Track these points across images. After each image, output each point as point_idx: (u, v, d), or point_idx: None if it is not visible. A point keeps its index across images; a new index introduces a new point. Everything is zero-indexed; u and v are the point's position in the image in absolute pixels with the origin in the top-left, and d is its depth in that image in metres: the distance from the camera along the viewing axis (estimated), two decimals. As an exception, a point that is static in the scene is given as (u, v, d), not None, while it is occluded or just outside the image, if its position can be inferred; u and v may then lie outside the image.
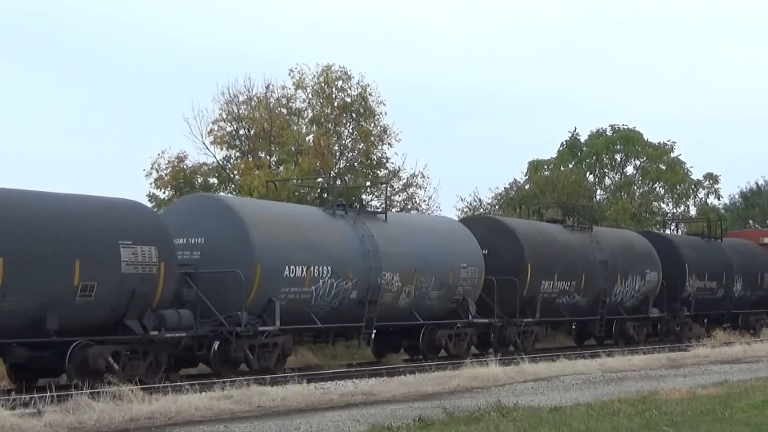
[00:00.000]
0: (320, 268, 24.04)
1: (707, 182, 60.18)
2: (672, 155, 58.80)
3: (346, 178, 39.56)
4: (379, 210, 27.82)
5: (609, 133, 59.13)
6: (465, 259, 28.61)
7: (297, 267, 23.46)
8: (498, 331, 29.59)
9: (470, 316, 28.53)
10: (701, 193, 60.13)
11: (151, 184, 37.47)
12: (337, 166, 40.25)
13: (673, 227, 48.83)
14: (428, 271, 27.24)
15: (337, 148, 40.59)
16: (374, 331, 25.97)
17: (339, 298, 24.61)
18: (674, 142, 58.98)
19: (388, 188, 39.92)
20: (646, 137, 58.70)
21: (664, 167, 58.39)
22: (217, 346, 21.85)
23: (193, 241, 22.84)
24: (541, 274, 30.78)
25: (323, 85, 40.50)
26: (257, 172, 36.91)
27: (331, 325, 24.83)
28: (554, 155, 58.72)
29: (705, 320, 41.02)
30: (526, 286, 30.14)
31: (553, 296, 31.58)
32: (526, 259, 30.12)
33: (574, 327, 35.39)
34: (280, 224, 24.00)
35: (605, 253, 33.91)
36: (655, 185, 59.01)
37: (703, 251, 40.38)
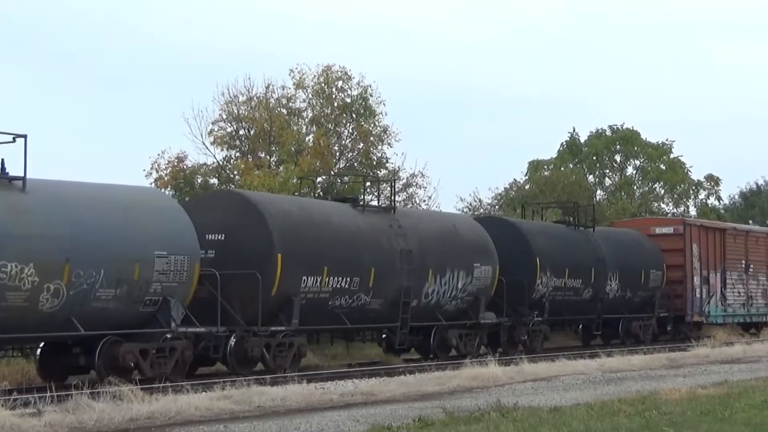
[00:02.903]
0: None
1: (708, 183, 60.30)
2: (671, 155, 58.93)
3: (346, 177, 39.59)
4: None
5: (608, 133, 59.23)
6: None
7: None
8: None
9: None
10: (702, 194, 60.30)
11: (151, 184, 37.51)
12: (337, 166, 40.28)
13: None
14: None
15: (337, 148, 40.61)
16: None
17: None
18: (673, 141, 59.15)
19: (388, 188, 40.04)
20: (645, 137, 58.86)
21: (664, 167, 58.49)
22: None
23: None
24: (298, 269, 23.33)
25: (323, 85, 40.56)
26: (257, 172, 36.93)
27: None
28: (554, 155, 58.84)
29: (580, 327, 34.96)
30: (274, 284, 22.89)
31: (324, 296, 23.89)
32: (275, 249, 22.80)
33: (384, 336, 27.15)
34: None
35: (410, 242, 26.10)
36: (655, 185, 59.10)
37: (564, 242, 32.56)
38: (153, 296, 20.00)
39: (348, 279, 24.19)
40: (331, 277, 23.75)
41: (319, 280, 23.44)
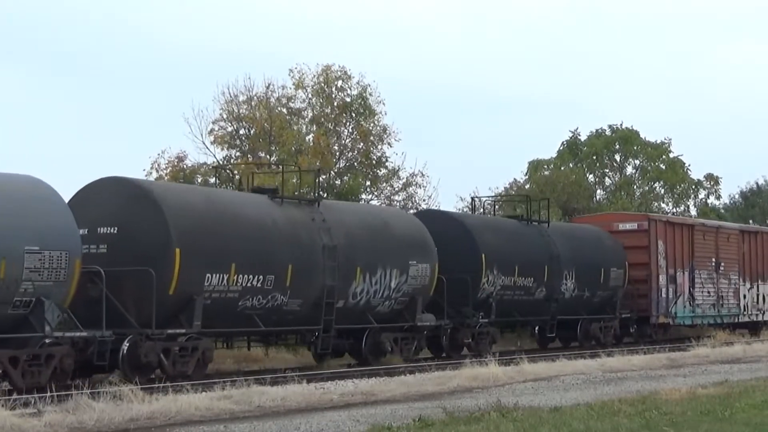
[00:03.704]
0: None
1: (708, 183, 60.32)
2: (671, 154, 58.97)
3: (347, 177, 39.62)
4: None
5: (608, 133, 59.26)
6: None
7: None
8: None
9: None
10: (702, 194, 60.32)
11: (151, 184, 37.53)
12: (337, 166, 40.32)
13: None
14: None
15: (336, 147, 40.63)
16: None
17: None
18: (670, 139, 59.20)
19: (388, 187, 40.06)
20: (644, 137, 58.89)
21: (663, 167, 58.52)
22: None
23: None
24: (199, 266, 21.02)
25: (323, 85, 40.58)
26: (257, 172, 36.95)
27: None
28: (554, 155, 58.85)
29: (537, 329, 32.66)
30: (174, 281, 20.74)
31: (232, 296, 21.59)
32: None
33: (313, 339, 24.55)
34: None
35: (335, 237, 23.84)
36: (655, 185, 59.11)
37: (514, 237, 30.37)
38: (24, 297, 17.66)
39: (260, 277, 21.80)
40: (241, 275, 21.37)
41: (225, 278, 21.10)
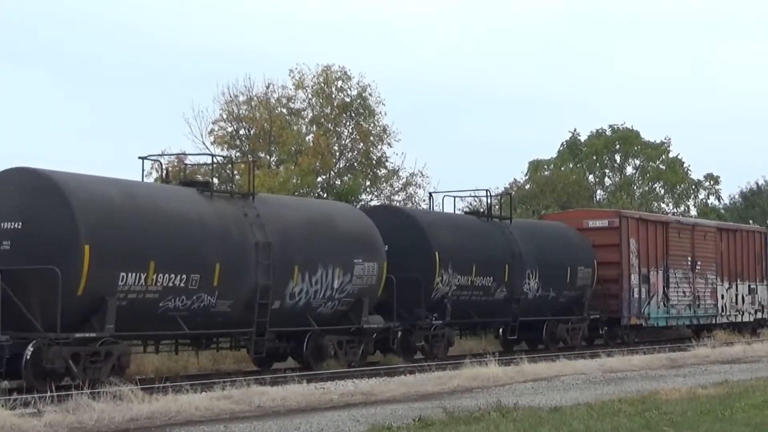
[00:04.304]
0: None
1: (708, 182, 60.37)
2: (670, 154, 59.04)
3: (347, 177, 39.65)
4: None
5: (608, 133, 59.32)
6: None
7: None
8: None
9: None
10: (702, 194, 60.38)
11: (151, 184, 37.55)
12: (337, 166, 40.35)
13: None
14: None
15: (336, 148, 40.66)
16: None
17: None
18: (670, 138, 59.26)
19: (388, 187, 40.10)
20: (644, 137, 58.96)
21: (663, 167, 58.58)
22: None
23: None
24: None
25: (323, 85, 40.62)
26: (257, 172, 36.98)
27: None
28: (554, 155, 58.91)
29: (501, 330, 30.44)
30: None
31: (152, 297, 19.71)
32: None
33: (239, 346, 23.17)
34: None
35: (269, 233, 21.99)
36: (655, 185, 59.17)
37: (472, 235, 28.56)
38: None
39: (184, 276, 19.99)
40: (161, 274, 19.55)
41: (143, 277, 19.32)
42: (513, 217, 31.39)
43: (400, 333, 25.96)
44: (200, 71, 71.71)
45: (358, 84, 40.99)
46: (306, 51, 79.66)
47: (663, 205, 58.31)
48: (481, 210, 31.02)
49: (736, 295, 38.87)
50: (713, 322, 37.56)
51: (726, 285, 38.19)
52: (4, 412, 14.80)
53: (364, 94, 40.91)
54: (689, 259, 36.16)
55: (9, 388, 18.48)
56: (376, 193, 41.18)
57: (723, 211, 61.58)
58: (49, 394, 16.50)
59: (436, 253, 26.62)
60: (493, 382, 21.20)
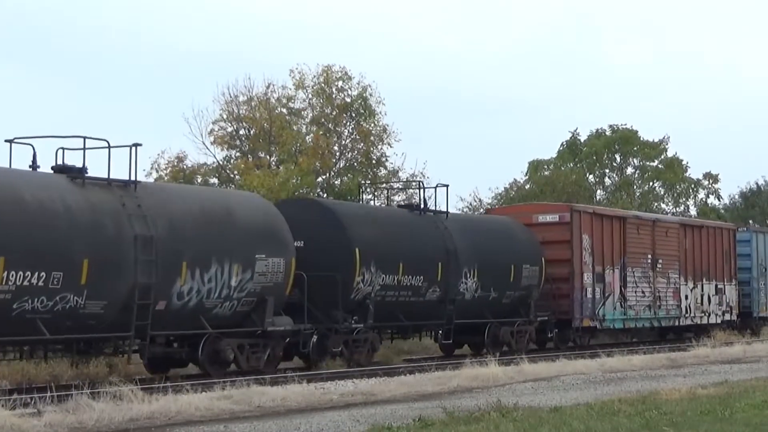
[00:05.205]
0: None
1: (707, 181, 60.36)
2: (669, 153, 59.07)
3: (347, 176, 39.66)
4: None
5: (608, 133, 59.32)
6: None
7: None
8: None
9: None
10: (701, 194, 60.37)
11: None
12: (337, 166, 40.37)
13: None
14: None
15: (337, 148, 40.67)
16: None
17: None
18: (668, 137, 59.26)
19: (388, 187, 40.08)
20: (643, 136, 58.97)
21: (662, 166, 58.59)
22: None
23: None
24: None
25: (323, 85, 40.63)
26: (257, 171, 37.01)
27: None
28: (554, 155, 58.90)
29: (440, 334, 27.90)
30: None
31: (4, 297, 17.44)
32: None
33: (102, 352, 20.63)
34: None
35: (153, 225, 19.58)
36: (655, 185, 59.17)
37: (401, 230, 26.02)
38: None
39: (43, 274, 17.63)
40: (13, 272, 17.24)
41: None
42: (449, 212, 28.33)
43: (315, 337, 23.72)
44: (200, 71, 71.85)
45: (358, 84, 41.05)
46: (306, 51, 79.76)
47: (663, 205, 58.32)
48: (415, 204, 28.27)
49: (702, 296, 36.75)
50: (676, 324, 35.79)
51: (690, 284, 36.10)
52: (4, 412, 14.79)
53: (364, 95, 40.93)
54: (649, 256, 34.06)
55: (9, 388, 18.49)
56: (376, 194, 41.20)
57: (723, 211, 61.58)
58: (49, 394, 16.50)
59: (357, 250, 24.23)
60: (493, 382, 21.20)
